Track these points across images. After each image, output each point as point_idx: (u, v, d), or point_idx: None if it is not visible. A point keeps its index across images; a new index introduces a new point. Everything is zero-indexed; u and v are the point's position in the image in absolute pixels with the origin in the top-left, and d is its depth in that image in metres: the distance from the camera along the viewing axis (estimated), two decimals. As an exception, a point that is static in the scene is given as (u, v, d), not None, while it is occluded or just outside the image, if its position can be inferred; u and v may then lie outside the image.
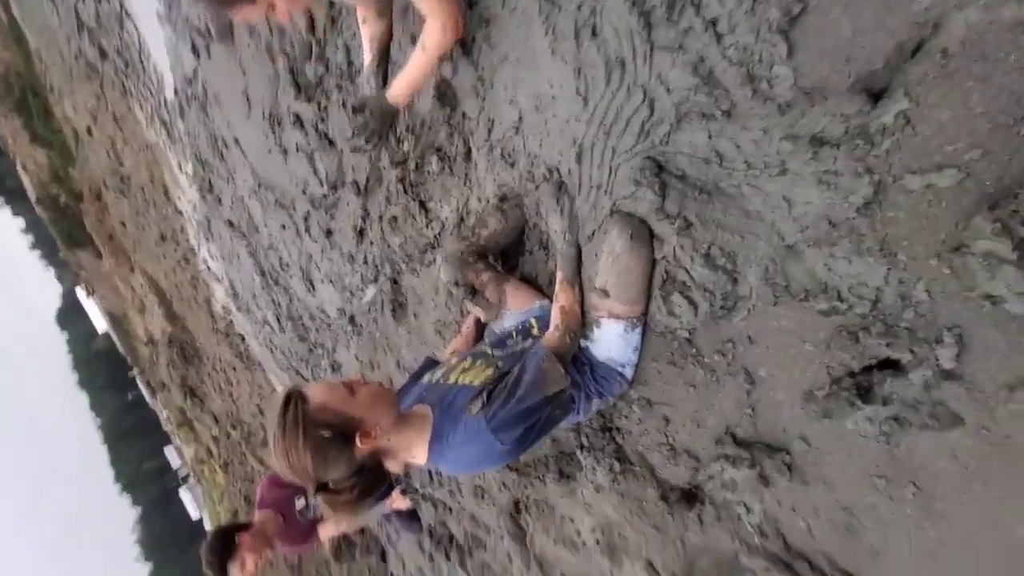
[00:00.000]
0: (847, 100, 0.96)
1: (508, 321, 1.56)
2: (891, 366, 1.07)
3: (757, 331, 1.19)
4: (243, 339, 6.22)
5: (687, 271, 1.20)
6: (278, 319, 4.47)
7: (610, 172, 1.27)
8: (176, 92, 4.36)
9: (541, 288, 1.65)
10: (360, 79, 1.62)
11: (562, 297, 1.34)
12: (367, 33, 1.59)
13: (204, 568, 2.02)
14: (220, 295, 6.26)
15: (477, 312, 1.65)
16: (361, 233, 2.62)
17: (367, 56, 1.62)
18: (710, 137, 1.12)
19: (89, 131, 8.31)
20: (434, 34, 1.27)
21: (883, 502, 1.16)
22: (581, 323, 1.33)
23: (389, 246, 2.39)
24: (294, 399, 1.06)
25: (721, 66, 1.06)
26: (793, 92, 1.00)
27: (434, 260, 2.18)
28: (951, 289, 0.94)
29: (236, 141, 3.61)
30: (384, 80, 1.61)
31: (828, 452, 1.21)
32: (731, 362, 1.25)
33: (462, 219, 1.89)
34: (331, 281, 3.21)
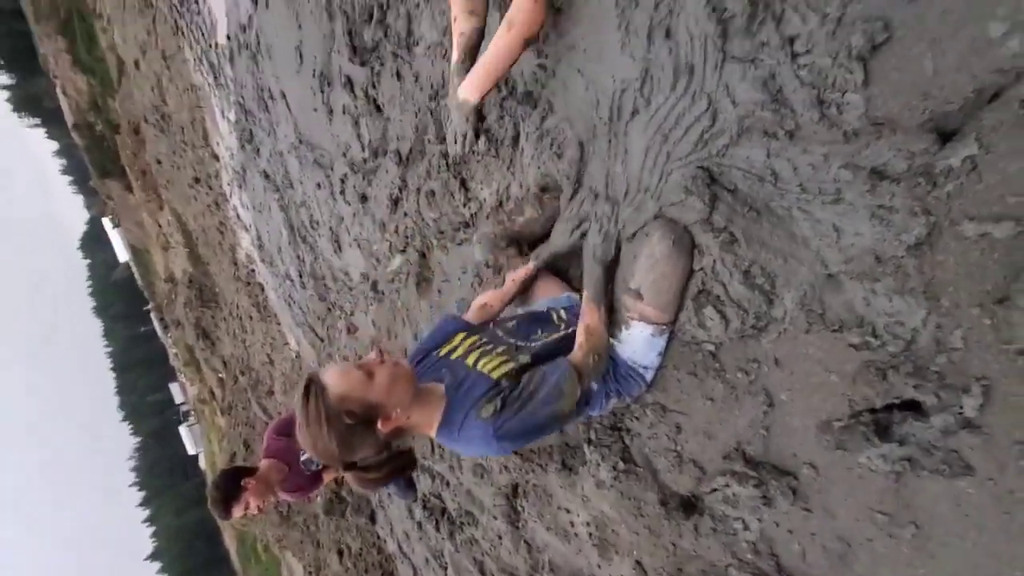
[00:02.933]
0: (916, 137, 0.95)
1: (533, 307, 1.58)
2: (913, 408, 1.08)
3: (784, 355, 1.19)
4: (262, 289, 6.32)
5: (724, 286, 1.21)
6: (300, 275, 4.54)
7: (661, 177, 1.27)
8: (228, 37, 4.39)
9: (570, 281, 1.67)
10: (449, 77, 1.52)
11: (587, 316, 1.34)
12: (456, 30, 1.53)
13: (209, 504, 2.10)
14: (246, 244, 6.35)
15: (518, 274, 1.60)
16: (396, 202, 2.64)
17: (455, 53, 1.47)
18: (768, 155, 1.12)
19: (136, 64, 8.41)
20: (525, 6, 1.18)
21: (881, 537, 1.17)
22: (606, 344, 1.34)
23: (423, 219, 2.41)
24: (314, 389, 1.09)
25: (792, 85, 1.05)
26: (862, 121, 0.99)
27: (467, 239, 2.20)
28: (988, 340, 0.94)
29: (283, 95, 3.64)
30: None
31: (835, 482, 1.22)
32: (753, 381, 1.26)
33: (501, 203, 1.90)
34: (359, 246, 3.25)
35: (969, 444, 0.99)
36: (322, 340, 4.62)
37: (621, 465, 1.64)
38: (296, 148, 3.66)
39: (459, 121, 1.37)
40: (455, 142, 1.40)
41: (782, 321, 1.17)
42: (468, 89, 1.32)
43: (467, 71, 1.50)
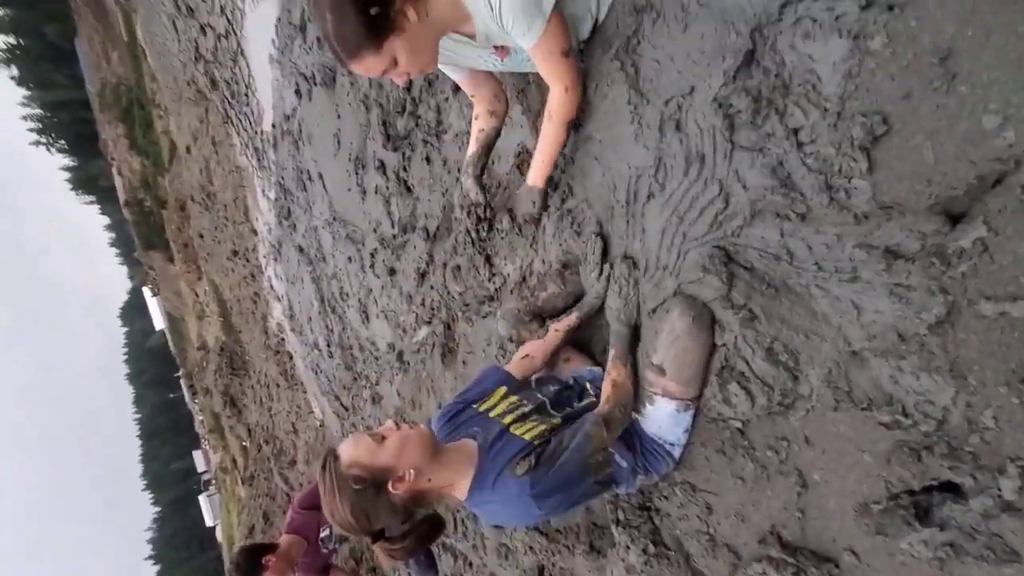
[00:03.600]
0: (925, 219, 0.98)
1: (561, 379, 1.59)
2: (952, 489, 1.04)
3: (814, 433, 1.17)
4: (291, 358, 6.45)
5: (747, 362, 1.21)
6: (328, 344, 4.64)
7: (678, 255, 1.32)
8: (274, 126, 4.78)
9: (593, 356, 1.69)
10: (463, 167, 1.71)
11: (614, 372, 1.37)
12: (476, 127, 1.68)
13: (230, 583, 2.07)
14: (277, 313, 6.56)
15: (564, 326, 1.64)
16: (423, 276, 2.74)
17: (472, 146, 1.69)
18: (782, 235, 1.16)
19: (188, 149, 9.15)
20: (556, 98, 1.33)
21: (933, 632, 1.09)
22: (632, 398, 1.35)
23: (449, 292, 2.49)
24: (328, 458, 1.14)
25: (800, 172, 1.11)
26: (870, 205, 1.04)
27: (491, 312, 2.26)
28: (1018, 419, 0.92)
29: (320, 176, 3.90)
30: (482, 171, 1.69)
31: (878, 570, 1.15)
32: (784, 460, 1.23)
33: (524, 279, 1.96)
34: (386, 316, 3.34)
35: (1011, 528, 0.94)
36: (347, 409, 4.64)
37: (651, 548, 1.57)
38: (330, 224, 3.87)
39: (526, 203, 1.59)
40: (525, 215, 1.63)
41: (809, 398, 1.17)
42: (534, 177, 1.52)
43: (481, 164, 1.67)
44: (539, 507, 1.17)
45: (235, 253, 7.65)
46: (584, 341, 1.72)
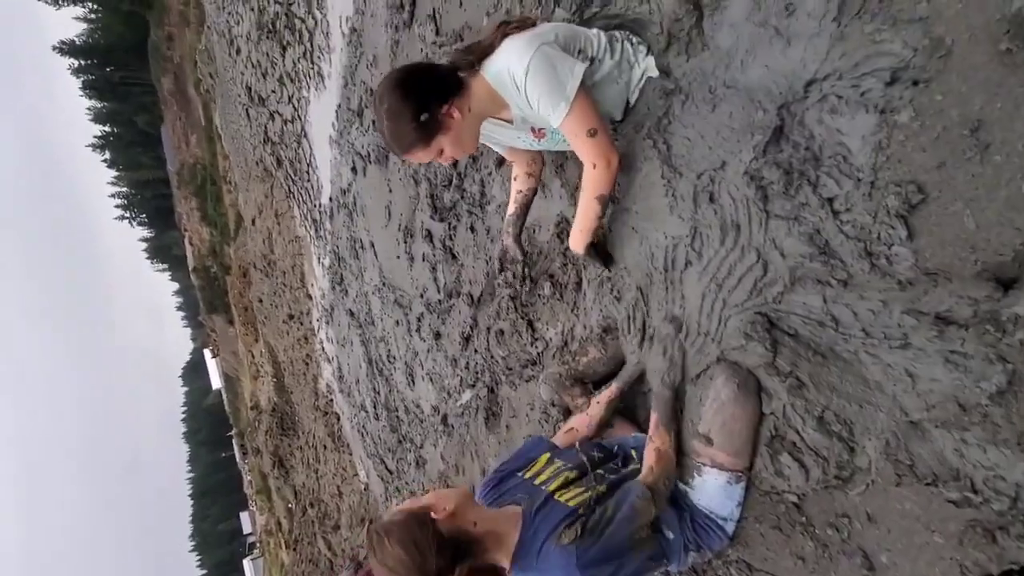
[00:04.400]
0: (974, 285, 0.96)
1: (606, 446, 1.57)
2: (1041, 575, 0.95)
3: (877, 510, 1.11)
4: (338, 419, 6.56)
5: (798, 432, 1.18)
6: (375, 406, 4.72)
7: (719, 322, 1.32)
8: (331, 199, 5.14)
9: (637, 422, 1.67)
10: (503, 226, 1.82)
11: (656, 439, 1.36)
12: (515, 188, 1.80)
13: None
14: (327, 375, 6.76)
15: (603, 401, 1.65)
16: (467, 340, 2.81)
17: (511, 207, 1.81)
18: (825, 301, 1.15)
19: (253, 221, 9.90)
20: (586, 174, 1.41)
21: None
22: (675, 466, 1.32)
23: (492, 356, 2.53)
24: (371, 525, 1.17)
25: (837, 239, 1.12)
26: (914, 271, 1.03)
27: (534, 376, 2.28)
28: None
29: (371, 244, 4.13)
30: (520, 230, 1.80)
31: (966, 669, 1.04)
32: (846, 539, 1.16)
33: (566, 343, 1.99)
34: (431, 379, 3.40)
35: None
36: (391, 472, 4.63)
37: (708, 633, 1.47)
38: (380, 290, 4.04)
39: (583, 258, 1.66)
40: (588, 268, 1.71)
41: (868, 472, 1.11)
42: (574, 245, 1.58)
43: (520, 223, 1.77)
44: None
45: (291, 317, 8.03)
46: (628, 408, 1.71)
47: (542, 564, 1.18)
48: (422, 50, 2.86)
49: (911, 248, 1.03)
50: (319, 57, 4.86)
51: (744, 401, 1.24)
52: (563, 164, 1.89)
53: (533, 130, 1.47)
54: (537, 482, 1.39)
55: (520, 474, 1.44)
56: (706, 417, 1.29)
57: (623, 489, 1.28)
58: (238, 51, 7.88)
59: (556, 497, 1.30)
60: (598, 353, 1.73)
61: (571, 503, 1.27)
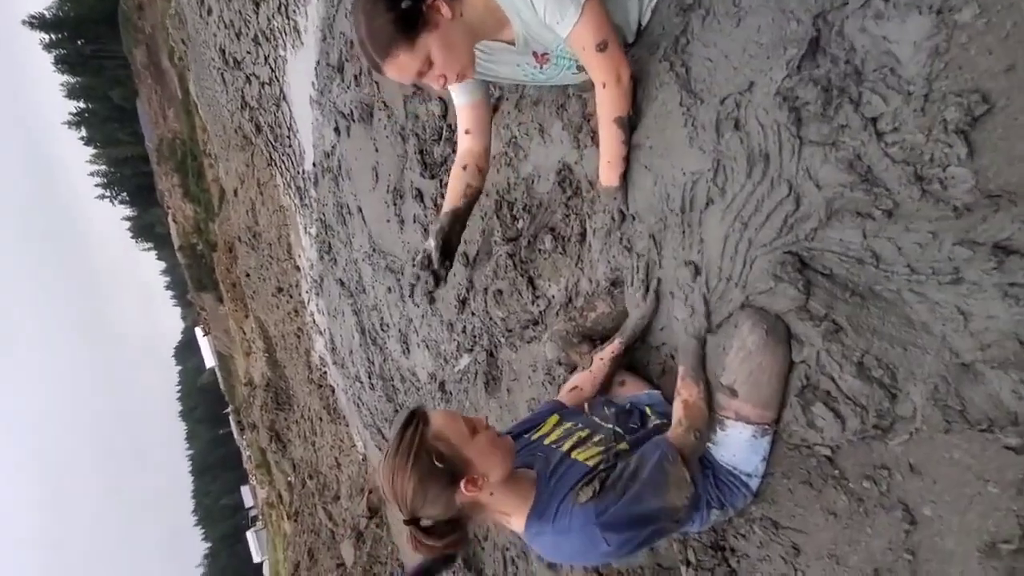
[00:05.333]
0: (1044, 208, 0.85)
1: (618, 404, 1.48)
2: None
3: (921, 460, 1.02)
4: (333, 392, 6.49)
5: (833, 380, 1.08)
6: (369, 376, 4.63)
7: (744, 265, 1.21)
8: (314, 164, 4.92)
9: (649, 379, 1.57)
10: (436, 224, 1.51)
11: (684, 392, 1.25)
12: (464, 179, 1.51)
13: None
14: (320, 348, 6.65)
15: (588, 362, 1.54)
16: (463, 303, 2.69)
17: (456, 201, 1.52)
18: (865, 236, 1.04)
19: (235, 192, 9.60)
20: (598, 97, 1.27)
21: None
22: (707, 420, 1.23)
23: (491, 318, 2.42)
24: (417, 419, 1.05)
25: (882, 164, 0.99)
26: (973, 195, 0.91)
27: (535, 337, 2.17)
28: None
29: (359, 209, 3.95)
30: (459, 231, 1.55)
31: (1013, 624, 0.97)
32: (885, 492, 1.07)
33: (570, 300, 1.87)
34: (427, 346, 3.29)
35: None
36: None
37: (728, 593, 1.41)
38: (370, 256, 3.89)
39: (607, 203, 1.49)
40: (606, 220, 1.50)
41: (912, 420, 1.02)
42: (607, 179, 1.43)
43: (461, 223, 1.54)
44: (606, 541, 1.05)
45: (279, 290, 7.86)
46: (640, 363, 1.60)
47: (559, 525, 1.09)
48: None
49: (971, 168, 0.91)
50: (294, 11, 4.56)
51: (773, 349, 1.14)
52: (564, 104, 1.74)
53: (536, 55, 1.31)
54: (547, 442, 1.30)
55: (527, 436, 1.35)
56: (730, 367, 1.19)
57: (648, 444, 1.18)
58: (209, 11, 7.46)
59: (573, 456, 1.20)
60: (607, 308, 1.62)
61: (589, 462, 1.17)
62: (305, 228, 5.86)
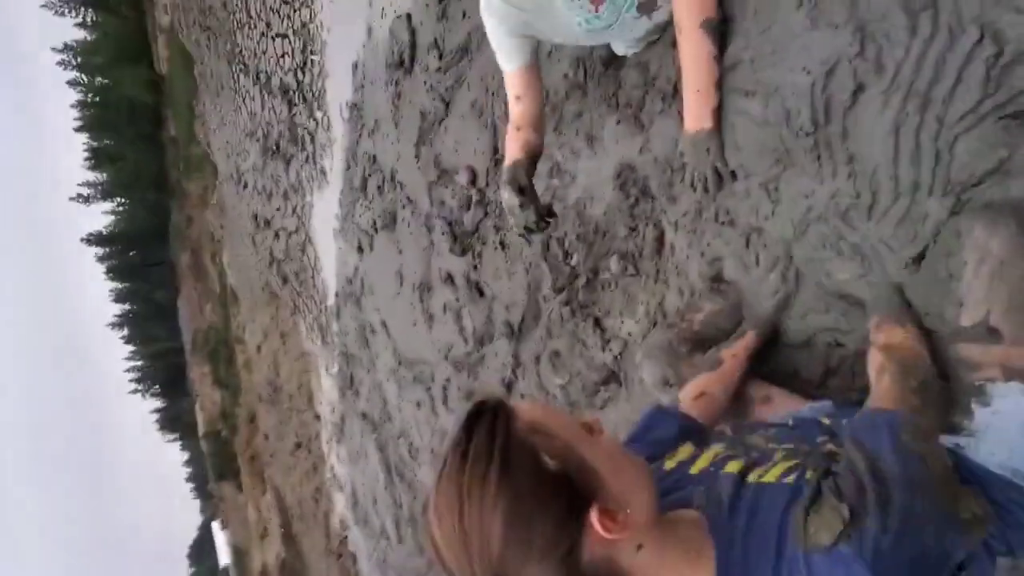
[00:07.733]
0: None
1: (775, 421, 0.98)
2: None
3: None
4: (355, 561, 5.56)
5: None
6: (397, 525, 3.90)
7: (936, 158, 0.85)
8: (336, 295, 4.79)
9: (805, 389, 1.09)
10: (502, 177, 1.26)
11: (883, 336, 0.82)
12: (522, 137, 1.30)
13: None
14: (340, 507, 5.91)
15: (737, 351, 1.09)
16: (509, 387, 2.24)
17: (517, 153, 1.28)
18: None
19: (258, 349, 9.50)
20: (680, 9, 1.04)
21: None
22: (929, 363, 0.76)
23: (547, 392, 1.95)
24: (493, 409, 0.59)
25: None
26: None
27: (610, 398, 1.69)
28: None
29: (383, 324, 3.68)
30: (530, 177, 1.26)
31: None
32: None
33: (655, 324, 1.46)
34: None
35: None
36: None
37: None
38: (395, 372, 3.51)
39: (699, 156, 1.12)
40: (703, 172, 1.14)
41: None
42: (692, 121, 1.11)
43: (530, 171, 1.27)
44: None
45: (298, 446, 7.29)
46: (781, 372, 1.14)
47: None
48: (425, 82, 2.69)
49: None
50: (320, 155, 4.84)
51: (1036, 251, 0.72)
52: (616, 92, 1.53)
53: None
54: (694, 471, 0.81)
55: (656, 464, 0.85)
56: (974, 294, 0.75)
57: (849, 423, 0.75)
58: (245, 186, 8.13)
59: (749, 480, 0.71)
60: (716, 305, 1.20)
61: (785, 479, 0.68)
62: (327, 368, 5.56)
